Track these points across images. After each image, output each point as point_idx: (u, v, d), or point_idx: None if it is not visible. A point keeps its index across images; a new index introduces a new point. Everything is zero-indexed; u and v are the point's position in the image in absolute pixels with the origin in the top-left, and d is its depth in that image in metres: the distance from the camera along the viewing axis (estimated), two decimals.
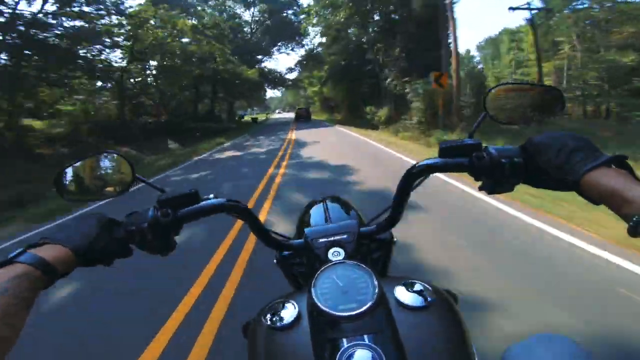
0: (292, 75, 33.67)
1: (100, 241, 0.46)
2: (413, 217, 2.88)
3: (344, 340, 0.40)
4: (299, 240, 0.62)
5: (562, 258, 2.13)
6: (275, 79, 33.65)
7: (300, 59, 31.63)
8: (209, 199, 0.54)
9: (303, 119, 25.40)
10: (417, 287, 0.50)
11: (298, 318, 0.48)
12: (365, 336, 0.40)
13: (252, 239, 2.64)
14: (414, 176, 0.55)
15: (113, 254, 0.48)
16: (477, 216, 2.98)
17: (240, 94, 27.21)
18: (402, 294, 0.49)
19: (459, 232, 2.62)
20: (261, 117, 49.74)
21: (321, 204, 0.84)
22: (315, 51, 29.10)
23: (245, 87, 24.47)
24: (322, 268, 0.48)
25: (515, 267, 2.02)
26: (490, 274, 1.96)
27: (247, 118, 36.75)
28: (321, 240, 0.59)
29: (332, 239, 0.59)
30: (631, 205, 0.34)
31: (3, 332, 0.32)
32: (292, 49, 31.81)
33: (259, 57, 31.06)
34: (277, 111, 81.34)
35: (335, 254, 0.56)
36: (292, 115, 37.68)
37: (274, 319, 0.49)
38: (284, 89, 46.42)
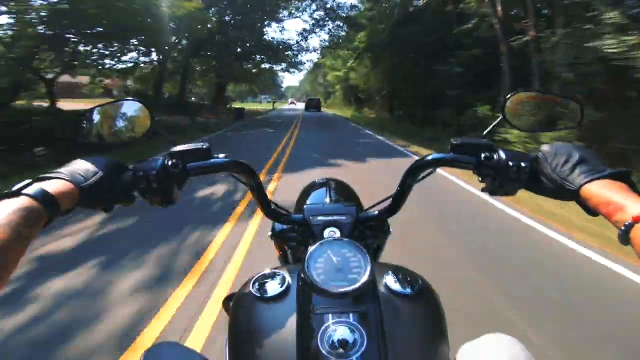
0: (309, 42, 25.55)
1: (107, 183, 0.50)
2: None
3: (330, 316, 0.45)
4: (298, 215, 0.67)
5: None
6: (285, 51, 22.55)
7: (320, 17, 21.83)
8: (218, 157, 0.59)
9: (312, 109, 31.31)
10: (406, 276, 0.55)
11: (286, 290, 0.52)
12: (351, 314, 0.45)
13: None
14: (420, 168, 0.61)
15: (116, 198, 0.52)
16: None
17: (228, 74, 19.86)
18: (391, 281, 0.53)
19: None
20: (265, 107, 42.46)
21: (323, 184, 0.91)
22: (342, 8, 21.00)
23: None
24: (320, 242, 0.52)
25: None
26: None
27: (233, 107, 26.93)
28: (319, 218, 0.63)
29: (330, 218, 0.63)
30: (623, 212, 0.39)
31: None
32: (310, 15, 22.01)
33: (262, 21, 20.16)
34: (289, 100, 70.45)
35: (331, 233, 0.61)
36: (303, 106, 36.04)
37: (262, 289, 0.53)
38: (298, 73, 40.44)
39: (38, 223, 0.39)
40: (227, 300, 0.78)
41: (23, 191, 0.39)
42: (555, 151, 0.50)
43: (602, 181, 0.43)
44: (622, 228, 0.37)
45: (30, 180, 0.42)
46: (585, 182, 0.44)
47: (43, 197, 0.40)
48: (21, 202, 0.38)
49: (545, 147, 0.52)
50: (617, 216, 0.39)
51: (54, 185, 0.43)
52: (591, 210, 0.44)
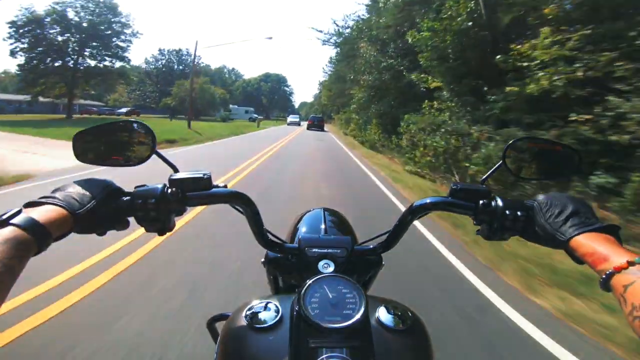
0: None
1: (103, 209, 0.49)
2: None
3: (324, 350, 0.45)
4: (293, 245, 0.69)
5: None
6: None
7: None
8: (219, 186, 0.60)
9: (315, 128, 29.50)
10: (398, 310, 0.56)
11: (280, 321, 0.52)
12: (344, 349, 0.46)
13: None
14: (420, 210, 0.64)
15: (110, 224, 0.52)
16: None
17: None
18: (384, 315, 0.55)
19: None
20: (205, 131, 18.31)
21: (319, 214, 0.91)
22: None
23: None
24: (316, 277, 0.53)
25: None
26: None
27: None
28: (314, 250, 0.65)
29: (325, 250, 0.64)
30: (606, 262, 0.42)
31: None
32: None
33: None
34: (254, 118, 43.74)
35: (325, 266, 0.62)
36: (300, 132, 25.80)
37: (254, 319, 0.53)
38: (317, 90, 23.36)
39: (27, 254, 0.38)
40: (211, 322, 0.80)
41: (11, 221, 0.38)
42: (550, 202, 0.54)
43: (591, 234, 0.47)
44: (604, 277, 0.41)
45: (20, 208, 0.41)
46: (575, 235, 0.48)
47: (32, 227, 0.39)
48: (8, 232, 0.37)
49: (541, 197, 0.56)
50: (601, 266, 0.43)
51: (45, 212, 0.42)
52: (578, 259, 0.48)
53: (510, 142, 0.66)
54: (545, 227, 0.51)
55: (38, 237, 0.39)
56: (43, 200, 0.44)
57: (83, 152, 0.60)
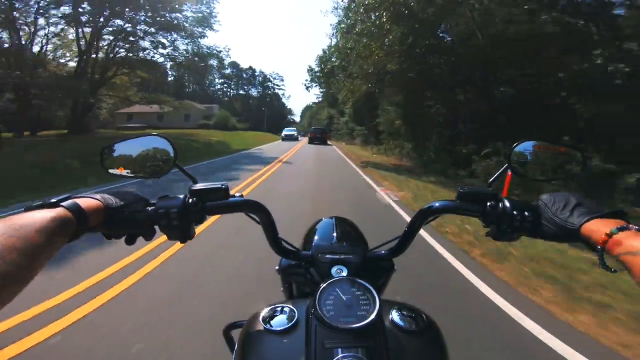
0: None
1: (130, 211, 0.55)
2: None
3: (339, 350, 0.48)
4: (307, 252, 0.72)
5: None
6: None
7: None
8: (235, 196, 0.64)
9: (317, 142, 28.60)
10: (411, 312, 0.59)
11: (295, 324, 0.55)
12: (360, 349, 0.48)
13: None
14: (429, 214, 0.66)
15: (138, 230, 0.57)
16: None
17: None
18: (397, 317, 0.57)
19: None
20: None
21: (331, 222, 0.94)
22: None
23: None
24: (330, 280, 0.57)
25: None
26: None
27: None
28: (328, 256, 0.67)
29: (337, 257, 0.67)
30: (620, 246, 0.44)
31: (21, 274, 0.35)
32: None
33: None
34: None
35: (338, 271, 0.65)
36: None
37: (271, 323, 0.56)
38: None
39: (68, 233, 0.44)
40: (227, 330, 0.84)
41: (61, 203, 0.45)
42: (554, 198, 0.57)
43: (601, 220, 0.49)
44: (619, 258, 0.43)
45: (68, 194, 0.49)
46: (585, 222, 0.50)
47: (76, 210, 0.45)
48: (57, 212, 0.43)
49: (544, 197, 0.59)
50: (617, 250, 0.44)
51: (86, 201, 0.50)
52: (594, 246, 0.48)
53: (515, 145, 0.67)
54: (555, 220, 0.54)
55: (80, 220, 0.46)
56: (84, 194, 0.52)
57: (111, 165, 0.65)
